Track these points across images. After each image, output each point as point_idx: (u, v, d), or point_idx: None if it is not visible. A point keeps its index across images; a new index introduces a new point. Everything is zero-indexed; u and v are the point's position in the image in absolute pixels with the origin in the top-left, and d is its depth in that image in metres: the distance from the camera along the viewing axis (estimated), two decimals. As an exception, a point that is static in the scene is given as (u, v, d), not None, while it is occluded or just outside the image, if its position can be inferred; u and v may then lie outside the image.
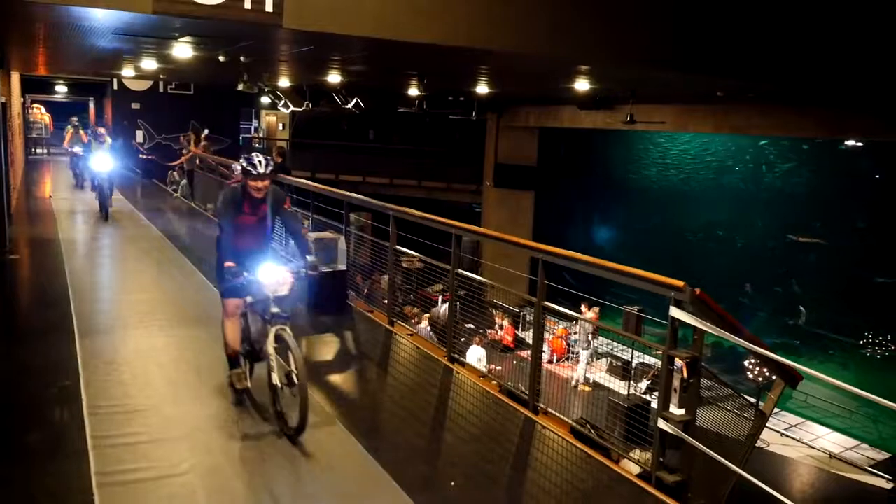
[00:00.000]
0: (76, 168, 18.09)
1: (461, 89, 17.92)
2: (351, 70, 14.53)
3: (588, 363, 12.92)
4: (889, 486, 11.61)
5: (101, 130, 14.30)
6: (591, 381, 12.42)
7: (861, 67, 10.01)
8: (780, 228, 17.90)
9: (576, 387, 12.30)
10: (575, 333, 15.06)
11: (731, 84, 11.92)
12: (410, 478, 4.33)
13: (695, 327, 4.37)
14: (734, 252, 18.47)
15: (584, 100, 16.63)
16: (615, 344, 12.62)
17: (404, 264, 9.23)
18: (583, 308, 12.54)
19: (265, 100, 23.74)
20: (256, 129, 31.57)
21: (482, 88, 16.47)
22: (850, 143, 16.72)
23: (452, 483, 4.42)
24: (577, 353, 13.53)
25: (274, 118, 29.97)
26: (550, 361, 13.83)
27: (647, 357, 11.36)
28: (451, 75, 14.52)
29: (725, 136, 19.03)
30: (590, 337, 12.99)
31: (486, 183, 22.63)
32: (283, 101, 20.66)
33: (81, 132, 18.26)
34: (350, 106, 18.96)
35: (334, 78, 15.96)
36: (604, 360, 13.08)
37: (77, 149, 17.38)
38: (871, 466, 12.63)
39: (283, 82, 18.26)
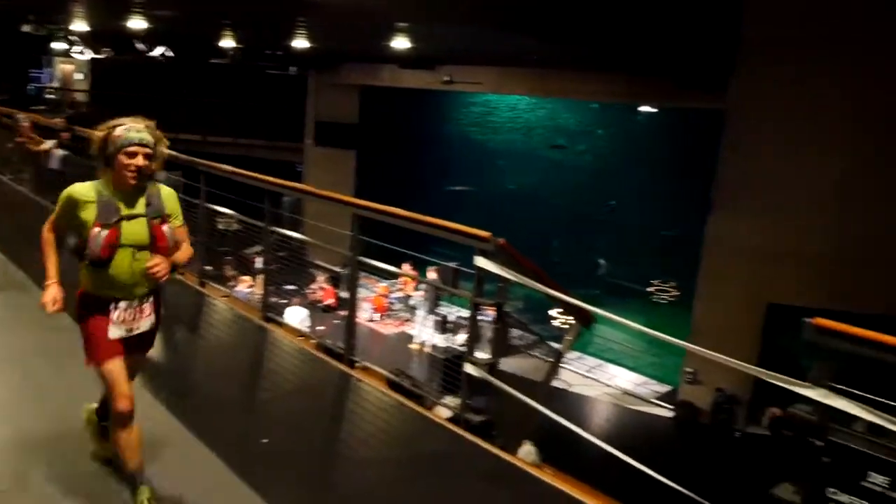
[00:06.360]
0: None
1: (280, 42, 17.25)
2: (157, 15, 13.46)
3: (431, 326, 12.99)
4: (671, 414, 13.18)
5: None
6: (426, 343, 12.55)
7: (655, 33, 10.78)
8: (589, 191, 19.16)
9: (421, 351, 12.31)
10: (399, 290, 15.34)
11: (540, 48, 12.47)
12: (220, 438, 4.19)
13: (499, 276, 4.61)
14: (548, 212, 19.53)
15: (405, 59, 16.69)
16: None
17: (220, 225, 8.80)
18: (405, 266, 12.74)
19: (59, 45, 21.32)
20: (50, 79, 28.24)
21: (301, 42, 15.96)
22: (645, 108, 18.28)
23: (265, 440, 4.36)
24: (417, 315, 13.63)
25: (71, 66, 27.02)
26: (372, 319, 14.00)
27: (466, 312, 11.82)
28: (268, 25, 13.94)
29: (554, 101, 19.86)
30: (435, 299, 12.99)
31: (307, 141, 22.08)
32: (80, 48, 18.74)
33: None
34: (156, 55, 17.59)
35: (138, 23, 14.67)
36: (431, 316, 13.41)
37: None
38: (657, 399, 14.23)
39: (80, 26, 16.50)
